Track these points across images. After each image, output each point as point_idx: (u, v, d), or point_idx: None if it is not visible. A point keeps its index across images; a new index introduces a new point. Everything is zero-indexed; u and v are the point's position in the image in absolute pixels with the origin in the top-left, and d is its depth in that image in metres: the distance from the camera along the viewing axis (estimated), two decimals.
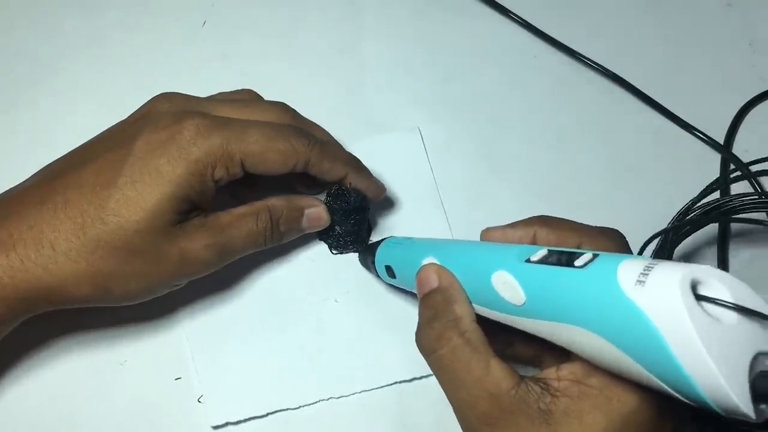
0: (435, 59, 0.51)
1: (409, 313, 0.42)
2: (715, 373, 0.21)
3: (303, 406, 0.40)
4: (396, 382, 0.41)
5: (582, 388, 0.27)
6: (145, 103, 0.38)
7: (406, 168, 0.46)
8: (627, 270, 0.24)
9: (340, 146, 0.42)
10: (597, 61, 0.51)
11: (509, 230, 0.33)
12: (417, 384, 0.41)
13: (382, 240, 0.41)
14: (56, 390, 0.39)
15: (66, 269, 0.33)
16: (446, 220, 0.45)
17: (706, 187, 0.45)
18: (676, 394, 0.23)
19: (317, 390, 0.40)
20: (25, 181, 0.37)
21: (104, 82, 0.48)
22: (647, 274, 0.23)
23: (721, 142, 0.49)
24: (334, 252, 0.43)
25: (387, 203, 0.45)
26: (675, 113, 0.50)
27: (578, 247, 0.31)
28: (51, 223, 0.33)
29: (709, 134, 0.49)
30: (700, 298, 0.22)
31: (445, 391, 0.30)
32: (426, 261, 0.34)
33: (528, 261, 0.28)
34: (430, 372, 0.40)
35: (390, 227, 0.45)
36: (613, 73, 0.51)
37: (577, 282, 0.26)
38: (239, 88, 0.42)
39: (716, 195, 0.45)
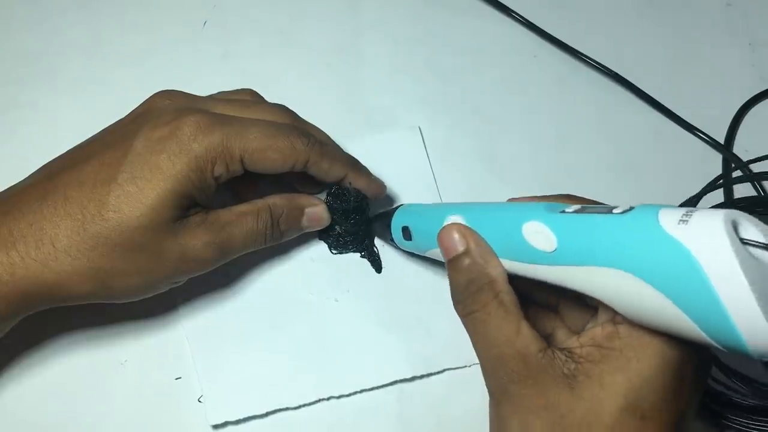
0: (435, 58, 0.51)
1: (409, 313, 0.42)
2: (755, 308, 0.21)
3: (303, 405, 0.40)
4: (396, 382, 0.41)
5: (603, 352, 0.28)
6: (145, 101, 0.38)
7: (406, 167, 0.46)
8: (668, 214, 0.24)
9: (340, 147, 0.42)
10: (598, 61, 0.51)
11: (535, 200, 0.33)
12: (417, 383, 0.41)
13: (397, 206, 0.40)
14: (56, 389, 0.39)
15: (66, 266, 0.33)
16: None
17: (707, 184, 0.44)
18: (709, 338, 0.23)
19: (317, 390, 0.40)
20: (25, 179, 0.37)
21: (104, 81, 0.48)
22: (690, 215, 0.23)
23: (722, 142, 0.49)
24: (334, 252, 0.43)
25: (387, 203, 0.45)
26: (675, 113, 0.50)
27: None
28: (51, 220, 0.33)
29: (709, 134, 0.49)
30: (740, 240, 0.22)
31: (476, 350, 0.31)
32: (449, 220, 0.33)
33: (563, 212, 0.28)
34: (431, 371, 0.41)
35: None
36: (614, 73, 0.51)
37: (616, 225, 0.26)
38: (240, 87, 0.42)
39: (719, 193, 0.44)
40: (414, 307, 0.42)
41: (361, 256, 0.43)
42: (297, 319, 0.41)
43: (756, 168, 0.47)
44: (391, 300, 0.42)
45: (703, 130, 0.50)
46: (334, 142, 0.42)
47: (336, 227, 0.42)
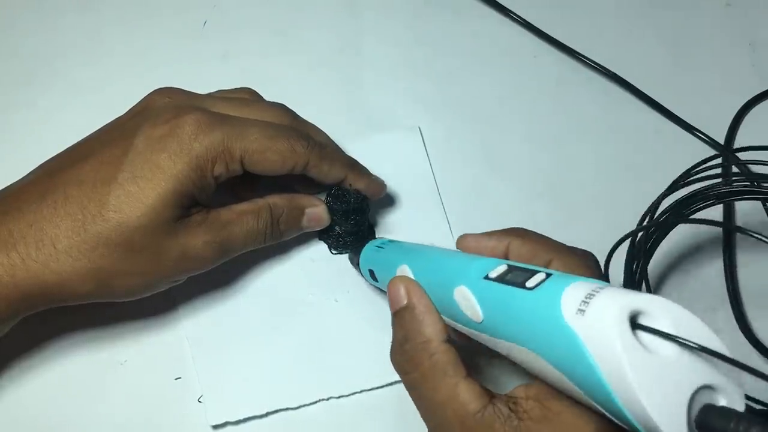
0: (435, 59, 0.51)
1: None
2: (643, 406, 0.21)
3: (303, 405, 0.40)
4: (396, 382, 0.41)
5: (543, 411, 0.27)
6: (144, 98, 0.38)
7: (406, 167, 0.46)
8: (571, 296, 0.24)
9: (339, 149, 0.42)
10: (597, 61, 0.51)
11: (484, 239, 0.33)
12: None
13: (370, 242, 0.40)
14: (56, 390, 0.39)
15: (67, 267, 0.33)
16: (446, 220, 0.45)
17: (678, 177, 0.42)
18: (614, 418, 0.23)
19: (317, 390, 0.40)
20: (24, 178, 0.37)
21: (104, 81, 0.48)
22: (588, 302, 0.23)
23: (722, 142, 0.49)
24: (334, 252, 0.43)
25: (387, 203, 0.45)
26: (675, 113, 0.50)
27: (548, 265, 0.31)
28: (51, 220, 0.33)
29: (709, 134, 0.49)
30: (640, 327, 0.22)
31: (419, 413, 0.31)
32: (399, 269, 0.34)
33: (486, 278, 0.29)
34: None
35: (390, 227, 0.45)
36: (614, 73, 0.51)
37: (526, 304, 0.26)
38: (239, 87, 0.42)
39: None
40: None
41: None
42: (297, 319, 0.41)
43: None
44: None
45: (703, 130, 0.50)
46: (333, 142, 0.42)
47: (336, 227, 0.42)
